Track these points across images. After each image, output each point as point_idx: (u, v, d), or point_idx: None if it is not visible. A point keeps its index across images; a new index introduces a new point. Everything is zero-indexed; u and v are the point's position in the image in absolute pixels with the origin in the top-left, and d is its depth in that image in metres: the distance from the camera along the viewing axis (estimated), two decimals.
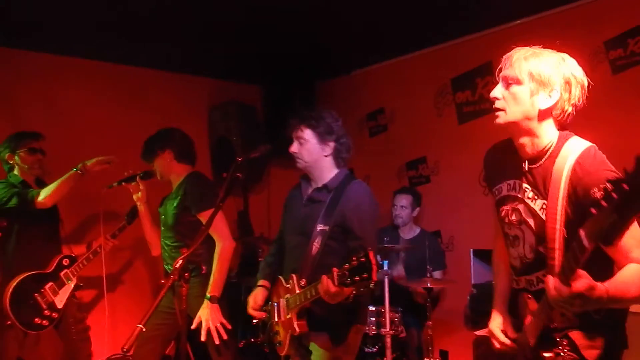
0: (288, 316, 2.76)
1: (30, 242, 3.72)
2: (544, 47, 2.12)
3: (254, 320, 3.24)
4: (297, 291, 2.70)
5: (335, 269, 2.41)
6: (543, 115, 1.93)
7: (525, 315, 2.00)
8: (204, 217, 3.33)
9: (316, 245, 2.73)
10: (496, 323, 2.15)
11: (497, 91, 1.97)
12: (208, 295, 3.28)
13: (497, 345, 2.13)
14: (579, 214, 1.76)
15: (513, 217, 2.02)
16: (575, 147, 1.89)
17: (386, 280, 3.83)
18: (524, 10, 4.22)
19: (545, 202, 1.88)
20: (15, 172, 3.77)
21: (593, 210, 1.42)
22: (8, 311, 3.56)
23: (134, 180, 3.75)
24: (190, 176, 3.58)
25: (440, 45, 4.91)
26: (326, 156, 2.84)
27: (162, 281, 2.29)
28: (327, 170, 2.86)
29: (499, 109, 1.96)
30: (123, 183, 3.80)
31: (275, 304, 2.91)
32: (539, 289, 1.93)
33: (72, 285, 3.85)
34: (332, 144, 2.82)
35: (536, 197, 1.93)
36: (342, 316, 2.72)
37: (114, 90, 5.12)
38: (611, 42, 3.82)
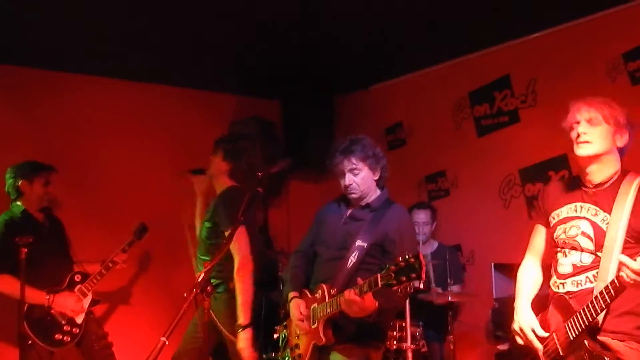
0: (314, 326, 2.77)
1: (40, 264, 3.66)
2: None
3: (275, 335, 3.27)
4: (327, 300, 2.72)
5: (359, 280, 2.49)
6: (618, 150, 2.41)
7: (564, 315, 2.31)
8: (230, 234, 3.36)
9: (352, 259, 2.76)
10: (526, 321, 2.42)
11: (583, 128, 2.39)
12: (240, 324, 3.30)
13: (523, 342, 2.42)
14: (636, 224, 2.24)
15: (572, 232, 2.41)
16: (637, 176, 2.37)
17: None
18: (542, 23, 4.22)
19: (608, 214, 2.31)
20: (20, 202, 3.78)
21: None
22: (27, 330, 3.55)
23: (205, 173, 3.85)
24: (225, 190, 3.64)
25: (457, 59, 4.92)
26: (375, 180, 2.92)
27: (185, 294, 2.32)
28: (371, 192, 2.93)
29: (586, 142, 2.37)
30: (191, 174, 3.92)
31: None
32: (584, 289, 2.32)
33: (89, 301, 3.87)
34: (379, 169, 2.91)
35: (599, 212, 2.35)
36: (365, 330, 2.74)
37: (134, 107, 5.19)
38: (630, 54, 3.81)
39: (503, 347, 4.00)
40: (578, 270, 2.37)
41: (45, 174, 3.82)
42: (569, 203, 2.47)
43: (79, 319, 3.79)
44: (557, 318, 2.36)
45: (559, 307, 2.37)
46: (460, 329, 4.57)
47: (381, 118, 5.63)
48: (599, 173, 2.40)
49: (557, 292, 2.42)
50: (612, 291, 2.11)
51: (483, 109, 4.75)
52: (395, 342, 3.96)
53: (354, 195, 2.90)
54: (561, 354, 2.29)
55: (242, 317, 3.31)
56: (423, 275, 2.27)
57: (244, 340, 3.28)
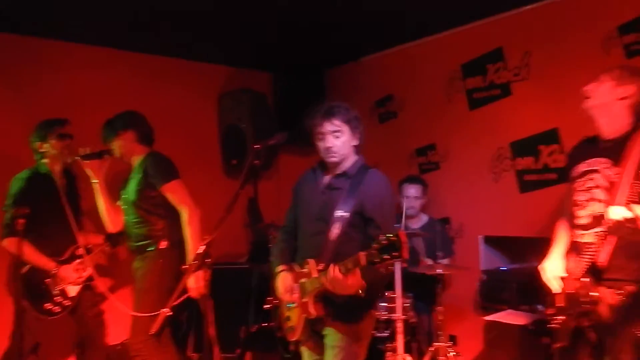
0: (304, 300, 2.77)
1: (49, 228, 3.75)
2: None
3: (266, 306, 3.28)
4: (315, 275, 2.72)
5: (339, 265, 2.53)
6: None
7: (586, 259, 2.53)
8: (168, 189, 3.58)
9: (335, 231, 2.75)
10: (551, 271, 2.71)
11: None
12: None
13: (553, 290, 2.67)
14: None
15: (588, 184, 2.61)
16: None
17: (398, 266, 3.86)
18: None
19: (618, 169, 2.46)
20: (45, 161, 3.80)
21: None
22: (21, 293, 3.59)
23: (101, 156, 3.83)
24: (150, 155, 3.77)
25: (450, 30, 4.88)
26: (353, 145, 2.89)
27: (184, 267, 2.33)
28: (348, 159, 2.90)
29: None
30: (81, 159, 3.81)
31: None
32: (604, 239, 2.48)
33: (86, 276, 3.87)
34: (358, 135, 2.87)
35: (612, 166, 2.52)
36: (357, 302, 2.75)
37: (126, 77, 5.13)
38: (625, 27, 3.80)
39: (491, 318, 4.07)
40: (597, 221, 2.51)
41: (58, 128, 3.81)
42: (586, 159, 2.67)
43: (72, 292, 3.79)
44: (579, 268, 2.57)
45: (578, 256, 2.60)
46: (448, 300, 4.63)
47: (372, 91, 5.61)
48: (607, 127, 2.62)
49: (579, 243, 2.63)
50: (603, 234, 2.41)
51: (475, 82, 4.74)
52: (385, 313, 4.01)
53: (333, 159, 2.85)
54: (574, 293, 2.55)
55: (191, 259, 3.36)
56: (405, 254, 2.27)
57: (197, 280, 3.29)
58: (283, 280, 2.92)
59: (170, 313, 2.17)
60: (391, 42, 5.32)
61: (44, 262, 3.70)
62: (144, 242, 3.66)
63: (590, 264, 2.50)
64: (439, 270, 4.04)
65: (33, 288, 3.66)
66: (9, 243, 3.58)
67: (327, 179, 2.93)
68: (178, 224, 3.62)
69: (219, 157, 5.63)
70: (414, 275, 4.25)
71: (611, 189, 2.49)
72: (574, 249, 2.67)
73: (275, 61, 5.56)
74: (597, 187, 2.57)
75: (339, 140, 2.82)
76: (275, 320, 3.09)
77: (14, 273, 3.63)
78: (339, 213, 2.76)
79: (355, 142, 2.88)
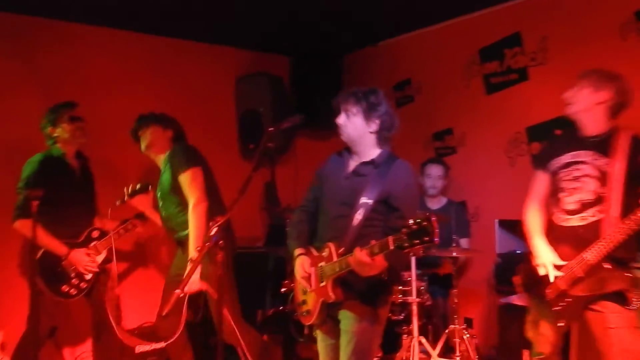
0: (322, 284, 2.78)
1: (63, 210, 3.74)
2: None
3: (283, 289, 3.33)
4: (335, 259, 2.73)
5: (373, 241, 2.49)
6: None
7: (574, 245, 2.78)
8: (183, 176, 3.57)
9: (358, 217, 2.76)
10: (547, 254, 2.86)
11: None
12: (190, 256, 3.39)
13: (545, 272, 2.84)
14: (635, 167, 2.72)
15: (575, 174, 2.86)
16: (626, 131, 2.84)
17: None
18: None
19: (608, 160, 2.76)
20: (59, 146, 3.80)
21: None
22: (37, 275, 3.59)
23: (145, 190, 3.93)
24: (177, 145, 3.80)
25: (468, 15, 4.87)
26: (371, 132, 2.88)
27: (197, 248, 2.35)
28: (370, 147, 2.91)
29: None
30: (129, 198, 3.91)
31: None
32: (591, 223, 2.77)
33: (102, 259, 3.88)
34: (377, 122, 2.86)
35: (599, 158, 2.80)
36: (374, 287, 2.78)
37: (143, 60, 5.18)
38: None
39: (506, 300, 4.10)
40: (583, 206, 2.80)
41: (67, 111, 3.81)
42: (570, 151, 2.91)
43: (89, 275, 3.81)
44: (566, 249, 2.82)
45: (567, 239, 2.83)
46: (464, 283, 4.67)
47: (390, 75, 5.61)
48: (589, 127, 2.89)
49: (564, 226, 2.87)
50: (633, 223, 2.60)
51: (493, 67, 4.73)
52: (400, 296, 4.05)
53: (342, 137, 2.92)
54: (581, 276, 2.73)
55: (194, 251, 3.39)
56: (436, 239, 2.25)
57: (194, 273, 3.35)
58: (301, 265, 2.92)
59: (182, 295, 2.20)
60: (409, 27, 5.31)
61: (55, 245, 3.68)
62: (186, 233, 3.57)
63: (607, 251, 2.67)
64: (454, 254, 4.07)
65: (49, 270, 3.67)
66: (22, 225, 3.58)
67: (353, 165, 2.95)
68: (219, 206, 3.63)
69: (236, 141, 5.67)
70: (429, 257, 4.29)
71: (603, 177, 2.77)
72: (556, 231, 2.91)
73: (293, 45, 5.57)
74: (586, 175, 2.83)
75: (349, 121, 2.87)
76: (291, 304, 3.11)
77: (30, 256, 3.63)
78: (363, 199, 2.78)
79: (371, 129, 2.87)
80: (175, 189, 3.64)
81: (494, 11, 4.68)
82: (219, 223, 2.47)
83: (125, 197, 3.90)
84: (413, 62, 5.43)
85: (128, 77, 5.07)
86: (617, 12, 3.89)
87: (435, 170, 4.67)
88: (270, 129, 2.83)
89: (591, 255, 2.72)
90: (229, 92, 5.67)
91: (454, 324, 4.10)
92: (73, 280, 3.75)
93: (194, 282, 3.30)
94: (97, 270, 3.83)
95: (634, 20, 3.81)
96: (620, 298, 2.73)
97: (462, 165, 4.98)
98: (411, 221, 2.30)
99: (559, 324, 2.88)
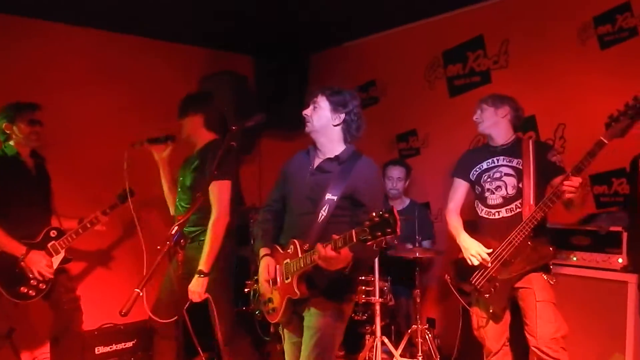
0: (287, 280, 2.79)
1: (19, 210, 3.67)
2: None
3: (246, 290, 3.30)
4: (300, 255, 2.74)
5: (334, 236, 2.51)
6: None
7: (499, 234, 3.24)
8: (215, 185, 3.42)
9: (323, 213, 2.78)
10: (475, 246, 3.32)
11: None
12: (199, 268, 3.36)
13: (477, 262, 3.29)
14: (541, 165, 3.26)
15: (496, 175, 3.38)
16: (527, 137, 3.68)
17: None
18: None
19: (520, 160, 3.31)
20: (12, 142, 3.73)
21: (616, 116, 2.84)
22: None
23: (164, 141, 3.83)
24: (212, 144, 3.66)
25: (432, 18, 4.93)
26: (335, 126, 2.89)
27: (159, 247, 2.33)
28: (335, 142, 2.92)
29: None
30: (147, 143, 3.83)
31: None
32: (516, 213, 3.25)
33: (60, 258, 3.82)
34: (342, 116, 2.88)
35: (512, 160, 3.35)
36: (338, 284, 2.79)
37: (107, 58, 5.09)
38: (600, 18, 3.87)
39: (468, 299, 4.15)
40: (507, 200, 3.31)
41: (28, 113, 3.72)
42: (485, 160, 3.45)
43: (48, 275, 3.72)
44: (494, 239, 3.26)
45: (491, 230, 3.31)
46: (426, 283, 4.71)
47: (355, 76, 5.63)
48: (499, 137, 3.44)
49: (491, 219, 3.35)
50: (549, 202, 3.04)
51: (456, 69, 4.80)
52: (363, 296, 4.07)
53: (306, 128, 2.94)
54: (508, 259, 3.18)
55: (205, 265, 3.36)
56: (398, 230, 2.29)
57: (198, 285, 3.33)
58: (266, 267, 2.93)
59: (141, 294, 2.17)
60: (374, 28, 5.35)
61: (13, 246, 3.61)
62: (196, 229, 3.55)
63: (529, 231, 3.15)
64: (417, 254, 4.11)
65: (6, 271, 3.60)
66: None
67: (318, 161, 2.96)
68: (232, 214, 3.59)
69: None
70: (393, 258, 4.31)
71: (518, 174, 3.29)
72: (484, 226, 3.39)
73: (258, 45, 5.55)
74: (505, 175, 3.35)
75: (315, 112, 2.89)
76: (254, 303, 3.11)
77: None
78: (328, 196, 2.80)
79: (335, 122, 2.89)
80: (194, 187, 3.57)
81: (457, 14, 4.75)
82: (180, 222, 2.45)
83: (144, 142, 3.83)
84: (378, 64, 5.47)
85: (91, 75, 4.99)
86: (577, 17, 3.98)
87: (396, 172, 4.69)
88: (233, 127, 2.82)
89: (515, 237, 3.16)
90: (193, 91, 5.60)
91: (417, 324, 4.13)
92: (32, 282, 3.67)
93: (199, 294, 3.34)
94: (51, 276, 3.74)
95: (592, 25, 3.91)
96: (544, 270, 3.20)
97: (426, 166, 5.03)
98: (374, 214, 2.34)
99: (489, 310, 3.28)
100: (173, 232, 2.39)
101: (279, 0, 4.46)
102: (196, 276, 3.34)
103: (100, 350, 4.43)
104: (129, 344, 4.58)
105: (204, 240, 3.51)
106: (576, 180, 2.92)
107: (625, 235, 3.38)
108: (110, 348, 4.48)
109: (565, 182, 2.94)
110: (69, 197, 4.13)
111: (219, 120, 3.80)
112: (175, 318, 3.49)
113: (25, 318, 4.01)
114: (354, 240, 2.43)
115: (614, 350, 3.32)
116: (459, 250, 3.50)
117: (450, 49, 4.84)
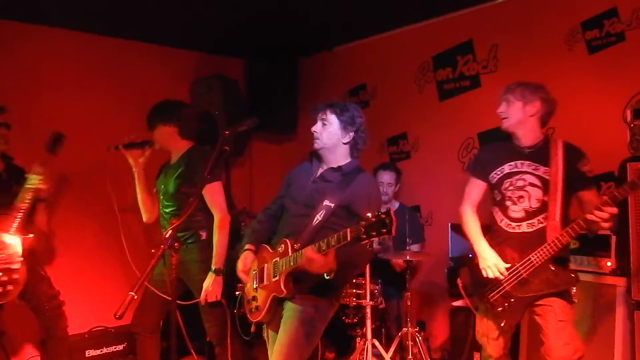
0: (275, 278, 2.81)
1: None
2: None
3: (237, 292, 3.31)
4: (290, 254, 2.77)
5: (320, 243, 2.57)
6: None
7: (520, 249, 2.95)
8: (208, 189, 3.50)
9: (318, 217, 2.82)
10: (493, 257, 3.00)
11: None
12: (213, 267, 3.45)
13: (492, 274, 2.99)
14: (570, 175, 2.92)
15: (519, 184, 3.01)
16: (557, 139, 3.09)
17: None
18: None
19: (547, 169, 2.95)
20: None
21: None
22: None
23: (141, 147, 3.75)
24: (193, 151, 3.69)
25: (422, 22, 4.96)
26: (344, 144, 2.96)
27: (153, 250, 2.33)
28: (342, 157, 2.99)
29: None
30: (123, 148, 3.73)
31: (255, 271, 2.98)
32: (538, 229, 2.95)
33: (18, 240, 3.59)
34: (352, 134, 2.95)
35: (539, 167, 2.99)
36: (322, 286, 2.80)
37: (98, 62, 5.08)
38: (588, 23, 3.92)
39: (457, 304, 4.17)
40: (530, 214, 2.98)
41: None
42: (510, 161, 3.07)
43: (15, 265, 3.56)
44: (512, 253, 2.98)
45: (513, 244, 2.99)
46: (417, 286, 4.73)
47: (345, 80, 5.66)
48: (525, 138, 3.05)
49: (512, 232, 3.02)
50: (577, 227, 2.77)
51: (445, 73, 4.83)
52: (354, 299, 4.08)
53: (315, 145, 2.96)
54: (525, 277, 2.91)
55: (219, 264, 3.47)
56: (393, 231, 2.31)
57: (215, 283, 3.42)
58: (243, 260, 3.01)
59: (135, 297, 2.18)
60: (365, 32, 5.37)
61: None
62: (184, 234, 3.56)
63: (551, 254, 2.88)
64: (408, 257, 4.12)
65: None
66: None
67: (320, 170, 3.02)
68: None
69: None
70: (383, 261, 4.33)
71: (544, 185, 2.96)
72: (501, 236, 3.06)
73: (248, 48, 5.56)
74: (529, 184, 3.00)
75: (325, 129, 2.93)
76: (239, 305, 3.13)
77: None
78: (325, 202, 2.84)
79: (345, 140, 2.95)
80: (179, 193, 3.58)
81: (447, 19, 4.78)
82: (174, 226, 2.46)
83: (120, 145, 3.75)
84: (368, 68, 5.49)
85: (82, 78, 4.97)
86: (564, 22, 4.03)
87: (386, 177, 4.71)
88: (226, 131, 2.83)
89: (536, 257, 2.90)
90: (184, 94, 5.60)
91: (407, 327, 4.15)
92: (1, 278, 3.52)
93: (216, 292, 3.44)
94: (12, 264, 3.56)
95: (580, 30, 3.96)
96: (565, 296, 2.94)
97: (416, 169, 5.06)
98: (369, 214, 2.37)
99: (501, 324, 3.03)
100: (167, 235, 2.40)
101: (270, 5, 4.47)
102: (212, 275, 3.45)
103: (90, 353, 4.42)
104: (120, 347, 4.57)
105: (192, 243, 3.59)
106: (609, 211, 2.69)
107: (614, 239, 3.39)
108: (101, 351, 4.47)
109: (596, 212, 2.70)
110: (59, 200, 4.10)
111: (193, 127, 3.78)
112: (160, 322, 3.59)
113: (15, 323, 3.99)
114: (348, 238, 2.44)
115: (602, 353, 3.34)
116: (448, 254, 3.51)
117: (440, 54, 4.87)
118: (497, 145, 3.30)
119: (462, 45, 4.68)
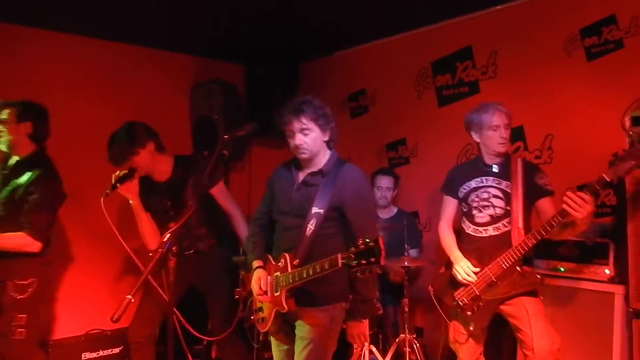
0: (277, 293, 2.80)
1: None
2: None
3: (236, 296, 3.32)
4: (290, 270, 2.75)
5: (315, 265, 2.60)
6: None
7: (487, 254, 3.23)
8: (215, 190, 3.61)
9: (310, 227, 2.77)
10: (466, 264, 3.29)
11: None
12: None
13: (465, 278, 3.26)
14: (528, 187, 3.25)
15: (484, 196, 3.35)
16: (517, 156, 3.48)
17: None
18: None
19: (509, 183, 3.29)
20: None
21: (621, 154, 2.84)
22: None
23: (132, 174, 3.57)
24: (182, 160, 3.74)
25: (421, 28, 4.97)
26: (325, 141, 2.92)
27: (151, 254, 2.33)
28: (322, 156, 2.93)
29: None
30: (120, 184, 3.55)
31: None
32: (503, 232, 3.24)
33: None
34: (329, 131, 2.90)
35: (502, 182, 3.32)
36: (331, 294, 2.81)
37: (93, 66, 5.08)
38: (587, 30, 3.93)
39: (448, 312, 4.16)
40: (495, 219, 3.28)
41: None
42: (475, 177, 3.41)
43: None
44: (481, 257, 3.25)
45: (478, 248, 3.29)
46: (415, 293, 4.70)
47: (344, 85, 5.66)
48: (488, 157, 3.41)
49: (480, 237, 3.32)
50: (547, 227, 2.97)
51: (445, 79, 4.84)
52: None
53: (303, 156, 2.87)
54: (495, 281, 3.16)
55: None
56: (382, 261, 2.31)
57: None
58: (257, 280, 2.92)
59: (133, 300, 2.18)
60: (364, 38, 5.38)
61: None
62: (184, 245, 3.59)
63: (519, 257, 3.14)
64: (406, 263, 4.12)
65: None
66: None
67: (302, 175, 2.95)
68: (217, 225, 3.73)
69: (190, 148, 5.61)
70: (381, 267, 4.31)
71: (506, 197, 3.27)
72: (470, 242, 3.37)
73: (248, 53, 5.56)
74: (493, 197, 3.31)
75: (308, 138, 2.83)
76: (245, 310, 3.12)
77: None
78: (314, 209, 2.79)
79: (326, 138, 2.90)
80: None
81: (446, 25, 4.79)
82: (172, 230, 2.45)
83: (116, 184, 3.56)
84: (367, 73, 5.50)
85: (81, 83, 4.97)
86: (563, 29, 4.04)
87: (385, 182, 4.70)
88: (225, 136, 2.83)
89: (504, 260, 3.14)
90: (184, 99, 5.61)
91: (404, 333, 4.14)
92: None
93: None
94: None
95: (578, 37, 3.96)
96: (532, 293, 3.18)
97: (415, 175, 5.05)
98: (360, 241, 2.36)
99: (470, 328, 3.26)
100: (165, 239, 2.39)
101: (270, 9, 4.47)
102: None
103: (87, 356, 4.40)
104: (116, 350, 4.55)
105: (185, 246, 3.61)
106: (580, 195, 2.80)
107: (612, 246, 3.39)
108: (97, 354, 4.45)
109: (567, 199, 2.83)
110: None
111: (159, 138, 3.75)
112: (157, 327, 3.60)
113: None
114: (339, 264, 2.45)
115: None
116: (444, 263, 3.54)
117: (439, 59, 4.88)
118: (465, 164, 3.88)
119: (462, 51, 4.68)
